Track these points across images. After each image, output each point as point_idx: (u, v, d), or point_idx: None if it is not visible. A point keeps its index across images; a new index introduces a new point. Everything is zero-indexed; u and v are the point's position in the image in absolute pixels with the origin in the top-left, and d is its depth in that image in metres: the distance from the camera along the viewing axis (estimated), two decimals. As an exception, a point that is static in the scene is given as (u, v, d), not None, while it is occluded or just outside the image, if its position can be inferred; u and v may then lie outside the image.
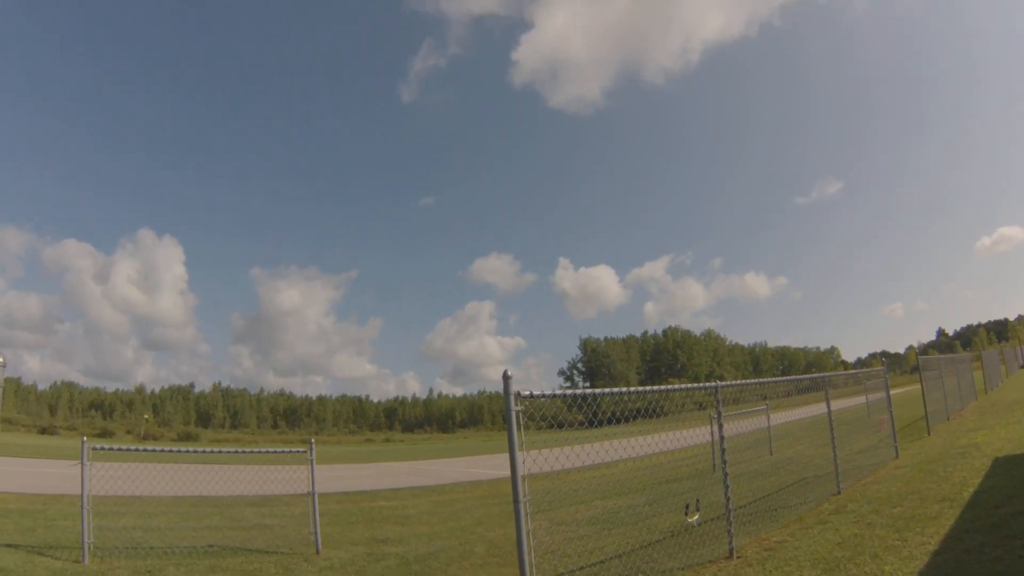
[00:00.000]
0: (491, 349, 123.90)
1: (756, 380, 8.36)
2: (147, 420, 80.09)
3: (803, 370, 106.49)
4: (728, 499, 6.53)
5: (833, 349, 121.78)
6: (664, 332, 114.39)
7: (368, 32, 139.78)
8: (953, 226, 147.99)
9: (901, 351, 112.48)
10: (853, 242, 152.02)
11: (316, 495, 8.97)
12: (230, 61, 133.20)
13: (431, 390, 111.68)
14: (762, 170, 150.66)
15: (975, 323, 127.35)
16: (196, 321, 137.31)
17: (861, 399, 19.77)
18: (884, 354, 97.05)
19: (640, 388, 5.35)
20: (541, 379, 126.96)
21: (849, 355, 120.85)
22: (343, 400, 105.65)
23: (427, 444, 65.30)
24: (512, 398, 4.23)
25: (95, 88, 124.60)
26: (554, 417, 5.00)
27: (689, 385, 6.58)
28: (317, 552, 8.58)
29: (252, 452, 12.02)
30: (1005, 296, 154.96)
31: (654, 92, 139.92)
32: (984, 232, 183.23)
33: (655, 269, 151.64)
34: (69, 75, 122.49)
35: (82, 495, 8.09)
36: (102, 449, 9.35)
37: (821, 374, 11.60)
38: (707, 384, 6.76)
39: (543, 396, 4.48)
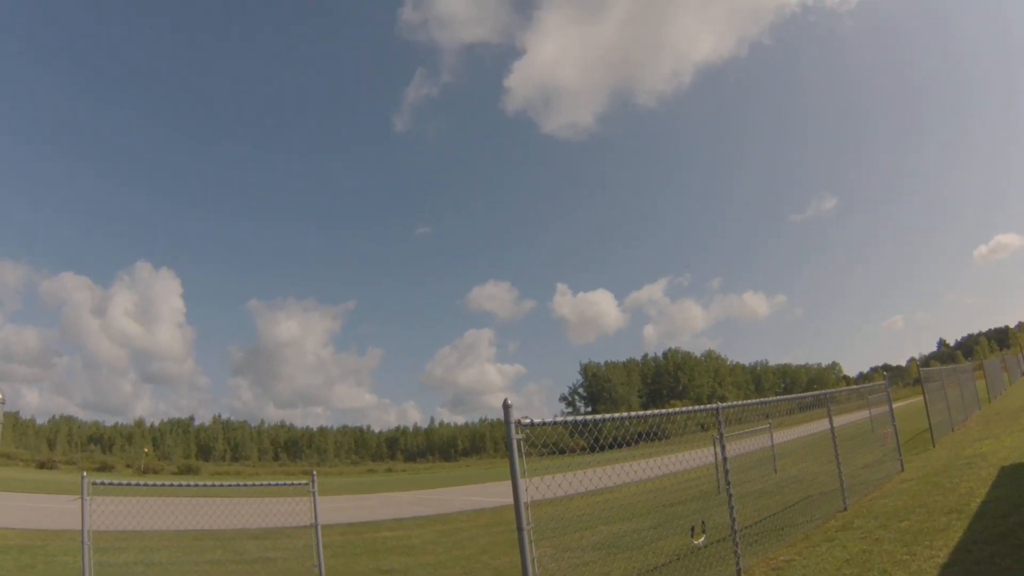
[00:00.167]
0: (491, 377, 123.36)
1: (758, 400, 8.35)
2: (147, 454, 79.31)
3: (805, 387, 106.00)
4: (733, 519, 6.49)
5: (834, 365, 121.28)
6: (664, 354, 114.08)
7: (361, 63, 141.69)
8: (950, 236, 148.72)
9: (903, 364, 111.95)
10: (851, 257, 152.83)
11: (319, 527, 8.89)
12: (225, 95, 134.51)
13: (432, 419, 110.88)
14: (757, 189, 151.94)
15: (976, 332, 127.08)
16: (195, 354, 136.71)
17: (864, 414, 19.71)
18: (886, 367, 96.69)
19: (641, 412, 5.35)
20: (542, 405, 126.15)
21: (851, 370, 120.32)
22: (344, 431, 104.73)
23: (430, 473, 64.84)
24: (513, 427, 4.24)
25: (91, 121, 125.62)
26: (556, 443, 5.01)
27: (690, 408, 6.59)
28: (321, 586, 8.48)
29: (253, 485, 11.94)
30: (1005, 303, 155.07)
31: (647, 115, 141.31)
32: (981, 240, 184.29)
33: (653, 292, 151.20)
34: (65, 108, 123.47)
35: (82, 530, 8.01)
36: (102, 484, 9.29)
37: (823, 391, 11.60)
38: (708, 406, 6.77)
39: (544, 424, 4.50)
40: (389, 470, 79.58)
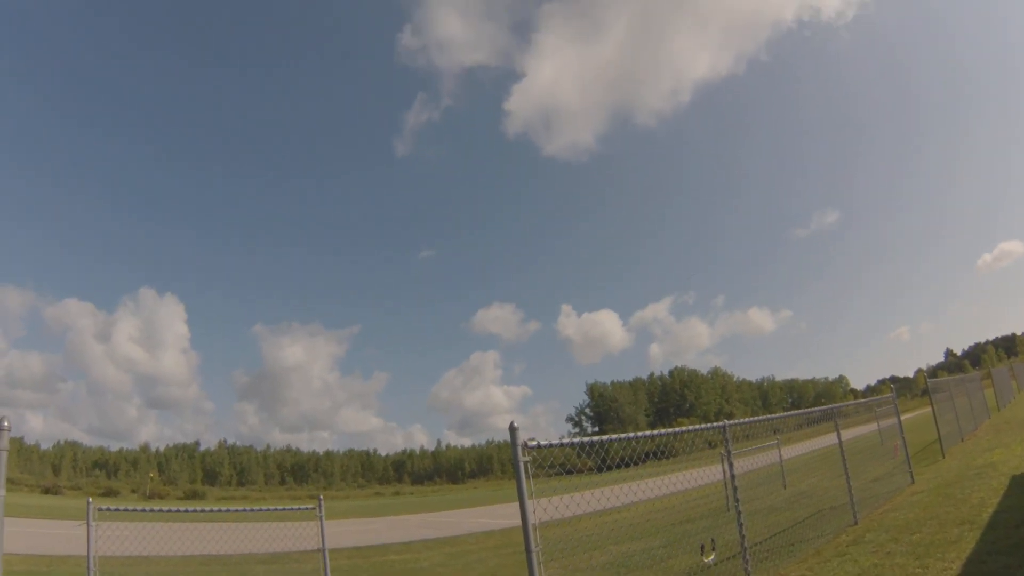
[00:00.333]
0: (497, 399, 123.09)
1: (765, 416, 8.32)
2: (152, 479, 79.01)
3: (812, 402, 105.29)
4: (743, 536, 6.46)
5: (841, 378, 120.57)
6: (671, 373, 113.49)
7: (361, 89, 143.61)
8: (953, 245, 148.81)
9: (910, 375, 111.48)
10: (855, 270, 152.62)
11: (327, 551, 8.86)
12: (227, 122, 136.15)
13: (439, 441, 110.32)
14: (759, 204, 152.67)
15: (983, 340, 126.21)
16: (199, 379, 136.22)
17: (873, 426, 19.57)
18: (893, 379, 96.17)
19: (648, 432, 5.36)
20: (549, 426, 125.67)
21: (858, 383, 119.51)
22: (351, 454, 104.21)
23: (437, 496, 64.38)
24: (520, 449, 4.26)
25: (95, 149, 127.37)
26: (564, 464, 5.01)
27: (697, 426, 6.57)
28: (330, 611, 8.43)
29: (260, 510, 11.91)
30: (1011, 311, 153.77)
31: (647, 134, 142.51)
32: (985, 249, 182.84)
33: (658, 310, 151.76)
34: (69, 136, 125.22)
35: (88, 556, 8.00)
36: (108, 510, 9.27)
37: (830, 405, 11.56)
38: (716, 424, 6.75)
39: (550, 445, 4.51)
40: (396, 493, 79.05)
